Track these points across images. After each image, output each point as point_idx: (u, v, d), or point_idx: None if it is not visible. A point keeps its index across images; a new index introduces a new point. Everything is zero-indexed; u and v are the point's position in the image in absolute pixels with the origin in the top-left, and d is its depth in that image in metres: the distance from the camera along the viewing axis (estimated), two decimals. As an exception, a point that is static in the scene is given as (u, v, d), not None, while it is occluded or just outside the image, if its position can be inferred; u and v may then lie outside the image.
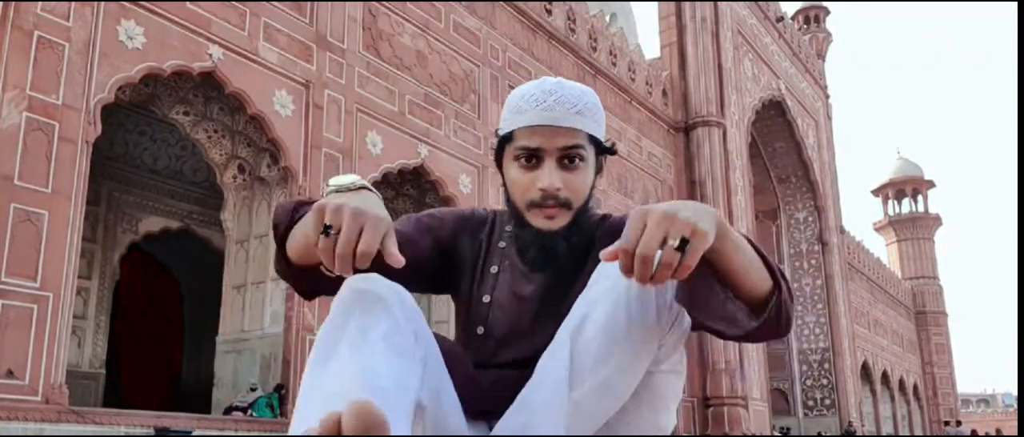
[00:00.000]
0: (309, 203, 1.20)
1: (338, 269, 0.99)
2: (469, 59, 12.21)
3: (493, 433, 1.26)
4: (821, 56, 27.48)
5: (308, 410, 1.00)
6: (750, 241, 1.14)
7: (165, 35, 8.14)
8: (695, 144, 17.93)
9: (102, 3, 7.60)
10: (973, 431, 30.18)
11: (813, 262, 24.32)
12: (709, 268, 1.09)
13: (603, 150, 1.40)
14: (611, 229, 1.38)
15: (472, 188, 11.68)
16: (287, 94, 9.30)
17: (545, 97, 1.33)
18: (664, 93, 18.02)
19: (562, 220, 1.33)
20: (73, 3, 7.37)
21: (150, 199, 13.12)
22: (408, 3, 11.19)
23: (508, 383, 1.27)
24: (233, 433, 7.79)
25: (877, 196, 41.14)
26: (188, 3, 8.38)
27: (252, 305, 9.50)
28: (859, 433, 22.52)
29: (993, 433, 33.58)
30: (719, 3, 19.22)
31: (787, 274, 1.30)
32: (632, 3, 32.89)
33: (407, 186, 11.74)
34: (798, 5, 29.32)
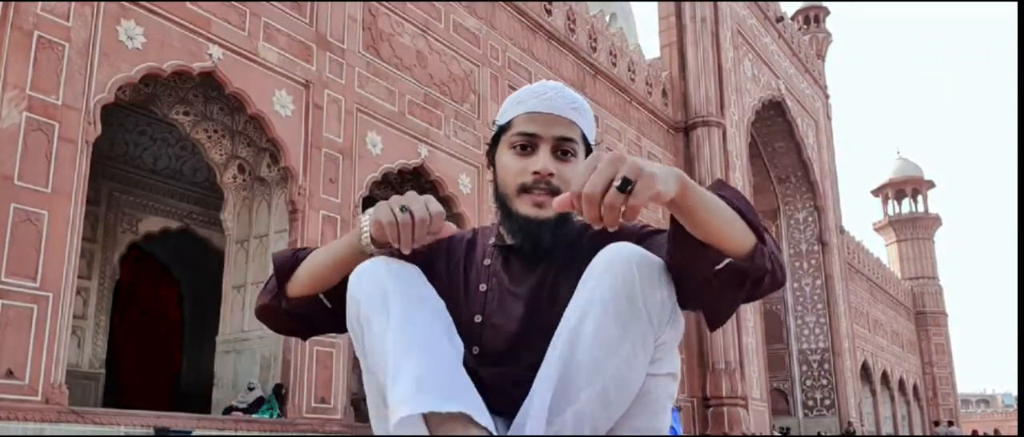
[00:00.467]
0: (307, 250, 1.39)
1: (414, 238, 1.20)
2: (469, 59, 12.21)
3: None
4: (821, 56, 27.48)
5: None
6: (731, 200, 1.14)
7: (165, 35, 8.14)
8: (695, 144, 17.93)
9: (102, 3, 7.60)
10: (974, 431, 30.17)
11: (813, 262, 24.32)
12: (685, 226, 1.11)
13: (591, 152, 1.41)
14: (595, 237, 1.37)
15: (472, 188, 11.68)
16: (287, 94, 9.30)
17: (545, 91, 1.39)
18: (664, 93, 18.02)
19: (550, 210, 1.32)
20: (73, 3, 7.37)
21: (150, 199, 13.12)
22: (408, 3, 11.19)
23: (508, 379, 1.28)
24: (233, 433, 7.79)
25: (877, 196, 41.13)
26: (188, 3, 8.38)
27: (252, 305, 9.46)
28: (859, 433, 22.52)
29: (992, 433, 33.55)
30: (719, 3, 19.22)
31: (786, 271, 1.35)
32: (632, 3, 32.90)
33: (407, 186, 11.74)
34: (798, 5, 29.32)
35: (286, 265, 1.38)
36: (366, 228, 1.26)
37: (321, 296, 1.37)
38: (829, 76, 35.84)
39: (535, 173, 1.33)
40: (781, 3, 24.03)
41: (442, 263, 1.43)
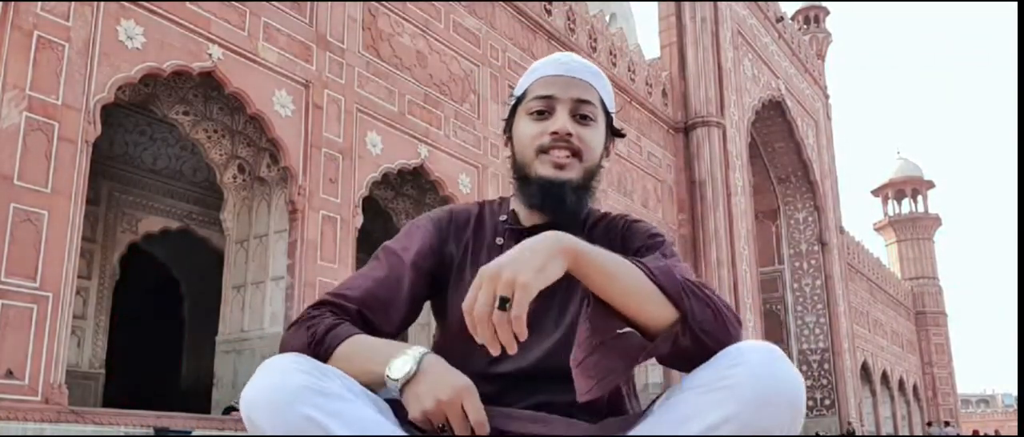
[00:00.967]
0: (323, 333, 1.19)
1: None
2: (469, 59, 12.21)
3: None
4: (821, 56, 27.48)
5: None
6: (653, 273, 1.08)
7: (165, 35, 8.14)
8: (695, 144, 17.92)
9: (102, 3, 7.60)
10: (974, 432, 30.16)
11: (813, 262, 24.31)
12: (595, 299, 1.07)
13: (612, 127, 1.37)
14: (608, 227, 1.35)
15: (472, 188, 11.68)
16: (287, 94, 9.30)
17: (561, 58, 1.36)
18: (664, 93, 18.01)
19: (572, 172, 1.28)
20: (73, 3, 7.36)
21: (150, 199, 13.12)
22: (408, 3, 11.19)
23: (520, 395, 1.22)
24: (233, 433, 7.79)
25: (877, 196, 41.14)
26: (188, 3, 8.37)
27: (252, 305, 9.50)
28: (859, 433, 22.52)
29: (992, 433, 33.54)
30: (719, 3, 19.21)
31: (733, 332, 1.11)
32: (632, 3, 32.90)
33: (407, 186, 11.74)
34: (798, 5, 29.32)
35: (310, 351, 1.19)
36: (398, 378, 1.09)
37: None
38: (829, 76, 35.82)
39: (553, 134, 1.28)
40: (781, 3, 24.03)
41: (452, 243, 1.37)
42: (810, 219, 24.54)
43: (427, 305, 1.41)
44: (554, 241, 1.05)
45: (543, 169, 1.28)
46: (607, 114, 1.35)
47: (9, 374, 6.42)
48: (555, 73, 1.32)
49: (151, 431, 7.19)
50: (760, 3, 22.08)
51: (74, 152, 7.18)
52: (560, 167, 1.27)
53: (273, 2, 9.33)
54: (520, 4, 13.53)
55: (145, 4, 7.97)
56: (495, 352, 1.00)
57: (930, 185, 40.26)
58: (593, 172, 1.32)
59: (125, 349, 13.51)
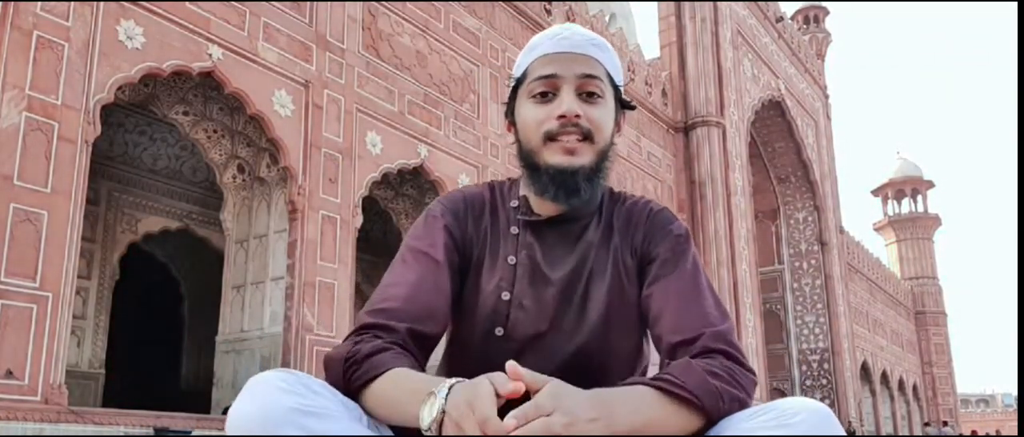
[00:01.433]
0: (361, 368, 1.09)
1: None
2: (469, 59, 12.21)
3: None
4: (821, 56, 27.47)
5: None
6: (691, 392, 1.02)
7: (165, 35, 8.14)
8: (695, 144, 17.92)
9: (102, 3, 7.60)
10: (973, 432, 30.17)
11: (813, 262, 24.31)
12: None
13: (621, 99, 1.29)
14: (629, 215, 1.30)
15: (472, 188, 11.67)
16: (287, 94, 9.30)
17: (560, 32, 1.27)
18: (664, 93, 18.02)
19: (584, 156, 1.21)
20: (73, 3, 7.36)
21: (150, 199, 13.12)
22: (408, 3, 11.19)
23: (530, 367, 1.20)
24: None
25: (877, 196, 41.13)
26: (188, 3, 8.37)
27: (252, 305, 9.50)
28: (859, 433, 22.52)
29: (992, 433, 33.55)
30: (719, 3, 19.21)
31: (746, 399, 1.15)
32: (632, 3, 32.91)
33: (407, 186, 11.75)
34: (798, 5, 29.31)
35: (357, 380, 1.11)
36: (429, 426, 1.00)
37: None
38: (829, 76, 35.82)
39: (560, 117, 1.19)
40: (781, 3, 24.03)
41: (472, 232, 1.29)
42: (810, 219, 24.54)
43: None
44: (605, 427, 0.96)
45: (552, 157, 1.20)
46: (615, 87, 1.27)
47: (9, 374, 6.42)
48: (556, 50, 1.23)
49: (151, 431, 7.19)
50: (760, 3, 22.08)
51: (74, 152, 7.18)
52: (571, 153, 1.19)
53: (273, 2, 9.33)
54: (520, 4, 13.53)
55: (145, 4, 7.97)
56: None
57: (930, 185, 40.26)
58: (605, 153, 1.24)
59: (125, 349, 13.52)
